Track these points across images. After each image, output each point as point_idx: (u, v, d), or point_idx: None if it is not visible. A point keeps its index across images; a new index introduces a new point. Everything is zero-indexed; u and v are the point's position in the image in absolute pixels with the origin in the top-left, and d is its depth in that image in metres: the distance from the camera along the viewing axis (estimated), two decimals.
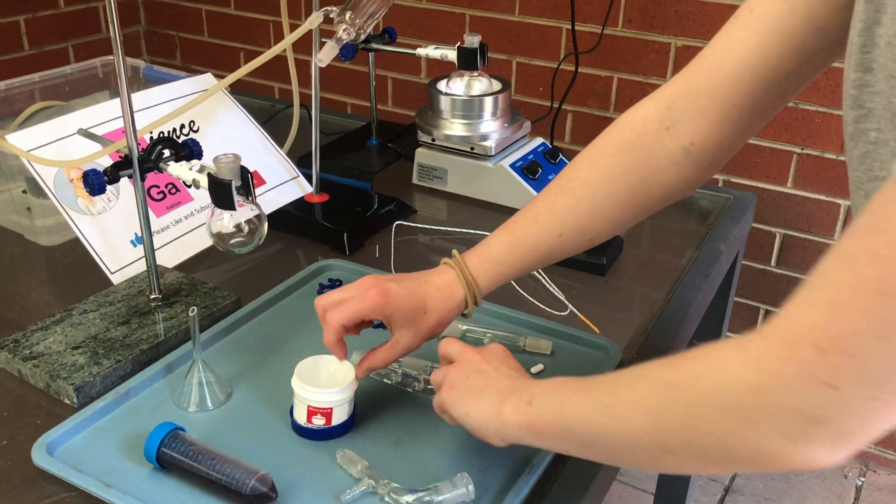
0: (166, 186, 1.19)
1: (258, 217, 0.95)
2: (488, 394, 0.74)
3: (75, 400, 0.88)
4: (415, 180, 1.42)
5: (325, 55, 1.04)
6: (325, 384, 0.82)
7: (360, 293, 0.81)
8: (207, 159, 0.95)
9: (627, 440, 0.62)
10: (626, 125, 0.83)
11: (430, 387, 0.88)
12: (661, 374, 0.59)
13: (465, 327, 0.99)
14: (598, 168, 0.83)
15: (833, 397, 0.47)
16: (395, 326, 0.82)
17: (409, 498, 0.75)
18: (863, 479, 2.12)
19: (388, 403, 0.89)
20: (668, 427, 0.58)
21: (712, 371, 0.54)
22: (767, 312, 2.15)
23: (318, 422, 0.82)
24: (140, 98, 1.22)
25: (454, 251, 0.87)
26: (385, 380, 0.91)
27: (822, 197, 1.98)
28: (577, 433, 0.65)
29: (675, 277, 1.17)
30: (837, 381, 0.47)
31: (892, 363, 0.45)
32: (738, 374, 0.51)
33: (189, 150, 0.97)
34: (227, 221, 0.94)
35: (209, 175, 0.90)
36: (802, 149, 1.95)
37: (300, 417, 0.83)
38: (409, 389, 0.90)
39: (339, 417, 0.83)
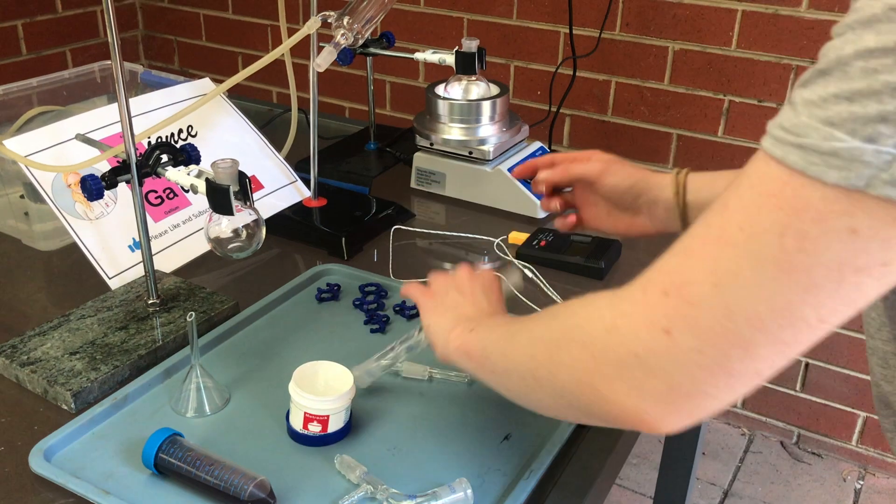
0: (164, 191, 1.19)
1: (256, 222, 0.95)
2: (450, 315, 0.78)
3: (73, 406, 0.88)
4: (413, 184, 1.42)
5: (323, 60, 1.04)
6: (322, 391, 0.82)
7: None
8: (205, 164, 0.95)
9: (514, 364, 0.66)
10: None
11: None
12: (559, 308, 0.63)
13: None
14: None
15: (666, 344, 0.49)
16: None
17: (408, 503, 0.75)
18: (861, 483, 2.12)
19: (386, 409, 0.89)
20: (540, 355, 0.61)
21: (586, 308, 0.57)
22: None
23: (315, 429, 0.82)
24: (138, 103, 1.22)
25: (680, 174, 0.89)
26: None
27: None
28: (490, 357, 0.70)
29: None
30: (672, 327, 0.49)
31: (720, 315, 0.47)
32: (601, 313, 0.55)
33: (187, 155, 0.97)
34: (225, 226, 0.94)
35: (207, 180, 0.90)
36: None
37: (296, 423, 0.83)
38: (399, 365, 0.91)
39: (335, 425, 0.82)
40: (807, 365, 2.13)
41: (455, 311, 0.80)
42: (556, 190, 0.95)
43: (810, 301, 0.46)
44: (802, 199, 0.44)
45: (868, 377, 2.05)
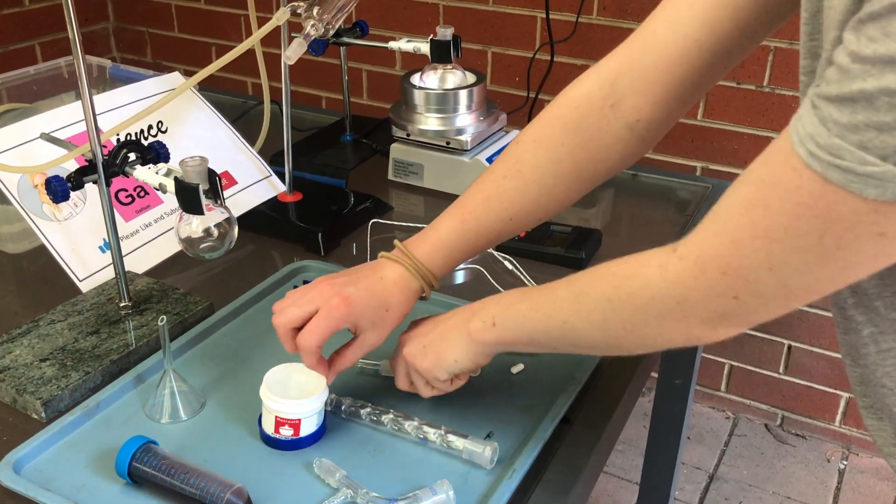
0: (135, 189, 1.16)
1: (228, 221, 0.93)
2: (451, 335, 0.80)
3: (43, 415, 0.86)
4: (390, 176, 1.40)
5: (292, 52, 1.02)
6: (294, 394, 0.80)
7: (323, 308, 0.79)
8: (176, 160, 0.93)
9: (586, 344, 0.76)
10: (571, 103, 0.83)
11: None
12: (600, 291, 0.71)
13: None
14: (545, 149, 0.84)
15: (736, 303, 0.62)
16: (359, 329, 0.82)
17: None
18: (845, 463, 2.13)
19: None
20: (616, 333, 0.71)
21: (643, 289, 0.67)
22: None
23: (286, 433, 0.80)
24: (105, 99, 1.19)
25: (396, 242, 0.87)
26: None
27: None
28: (543, 342, 0.77)
29: None
30: (738, 294, 0.61)
31: (776, 285, 0.59)
32: (666, 290, 0.65)
33: (155, 153, 0.94)
34: (195, 226, 0.91)
35: (176, 179, 0.88)
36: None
37: (268, 427, 0.81)
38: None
39: (307, 429, 0.81)
40: (790, 347, 2.13)
41: (448, 334, 0.81)
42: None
43: (850, 275, 0.58)
44: (836, 211, 0.53)
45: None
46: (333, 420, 0.85)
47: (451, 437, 0.80)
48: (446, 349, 0.80)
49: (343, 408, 0.85)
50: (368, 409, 0.84)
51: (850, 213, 0.52)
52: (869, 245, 0.54)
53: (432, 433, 0.81)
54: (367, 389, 0.90)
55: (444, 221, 0.87)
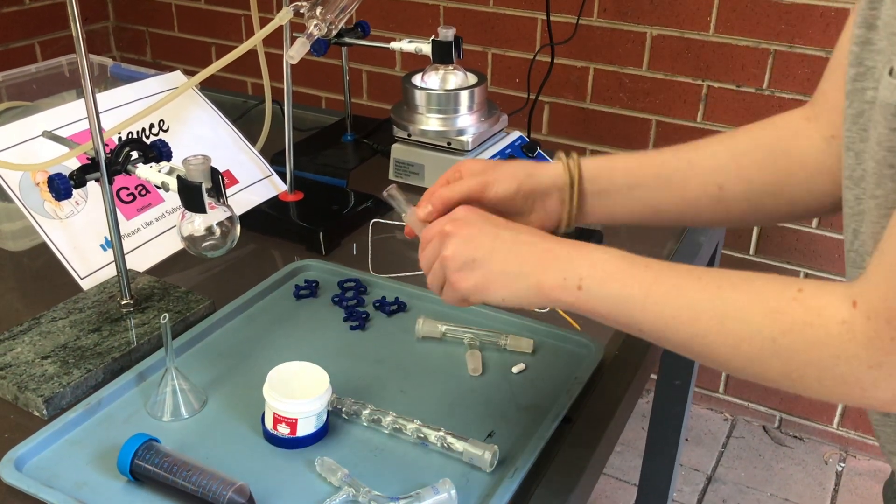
0: (136, 188, 1.16)
1: (230, 219, 0.93)
2: (511, 271, 0.70)
3: (45, 412, 0.86)
4: (391, 176, 1.40)
5: (295, 52, 1.02)
6: (296, 393, 0.80)
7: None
8: (177, 159, 0.93)
9: (716, 364, 0.64)
10: (774, 118, 0.85)
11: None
12: (760, 325, 0.60)
13: (444, 328, 0.97)
14: (731, 135, 0.87)
15: None
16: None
17: None
18: (843, 465, 2.14)
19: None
20: (769, 373, 0.61)
21: (822, 344, 0.58)
22: None
23: (283, 430, 0.80)
24: (107, 98, 1.19)
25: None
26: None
27: None
28: (647, 334, 0.67)
29: None
30: None
31: None
32: (851, 351, 0.57)
33: (158, 152, 0.94)
34: (198, 224, 0.91)
35: (179, 178, 0.88)
36: None
37: (268, 423, 0.82)
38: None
39: (304, 429, 0.81)
40: None
41: (512, 267, 0.70)
42: None
43: None
44: None
45: None
46: (335, 420, 0.85)
47: (451, 440, 0.80)
48: (498, 284, 0.70)
49: (344, 409, 0.85)
50: (369, 411, 0.84)
51: None
52: None
53: (433, 436, 0.81)
54: (369, 390, 0.90)
55: (641, 210, 0.86)
